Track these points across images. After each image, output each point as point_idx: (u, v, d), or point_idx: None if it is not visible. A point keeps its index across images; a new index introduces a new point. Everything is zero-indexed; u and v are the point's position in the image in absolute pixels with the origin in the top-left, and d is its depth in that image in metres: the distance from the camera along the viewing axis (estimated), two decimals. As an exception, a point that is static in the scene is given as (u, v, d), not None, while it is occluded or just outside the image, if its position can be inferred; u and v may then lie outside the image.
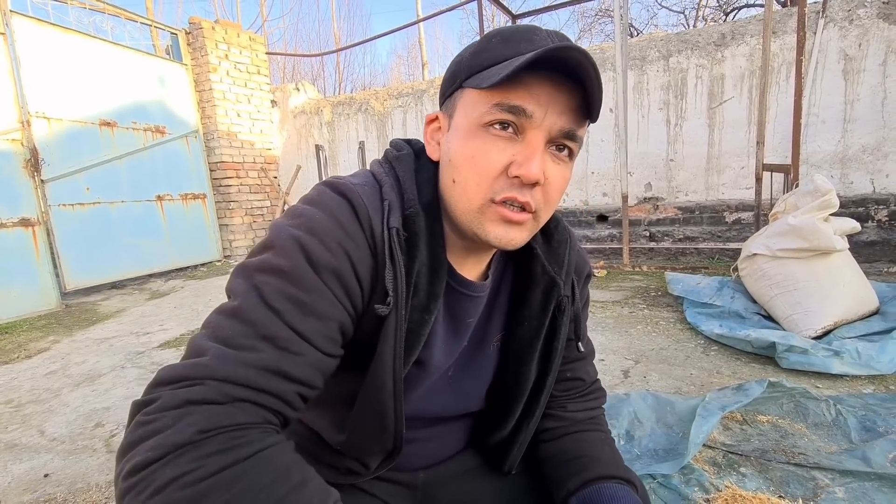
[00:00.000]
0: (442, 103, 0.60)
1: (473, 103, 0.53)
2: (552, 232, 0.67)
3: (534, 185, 0.52)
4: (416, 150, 0.63)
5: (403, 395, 0.61)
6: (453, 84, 0.56)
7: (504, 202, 0.52)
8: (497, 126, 0.51)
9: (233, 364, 0.45)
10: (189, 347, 0.47)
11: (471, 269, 0.64)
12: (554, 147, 0.53)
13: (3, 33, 3.62)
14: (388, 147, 0.64)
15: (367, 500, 0.69)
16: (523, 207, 0.53)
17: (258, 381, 0.45)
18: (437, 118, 0.60)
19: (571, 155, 0.55)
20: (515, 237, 0.55)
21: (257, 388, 0.45)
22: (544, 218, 0.57)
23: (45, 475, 1.46)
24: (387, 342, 0.54)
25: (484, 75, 0.51)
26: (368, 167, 0.61)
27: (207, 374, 0.44)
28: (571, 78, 0.50)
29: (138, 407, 0.44)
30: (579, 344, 0.71)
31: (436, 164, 0.60)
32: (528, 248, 0.64)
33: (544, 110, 0.51)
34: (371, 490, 0.70)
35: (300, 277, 0.49)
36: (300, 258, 0.49)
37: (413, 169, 0.60)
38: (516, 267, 0.68)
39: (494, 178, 0.52)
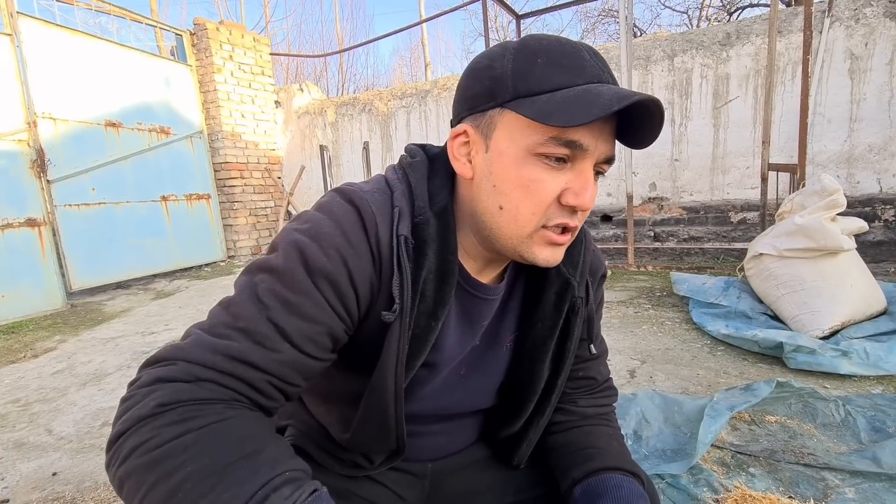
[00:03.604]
0: (466, 115, 0.56)
1: (522, 129, 0.51)
2: None
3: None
4: (430, 156, 0.62)
5: (411, 394, 0.62)
6: (489, 101, 0.53)
7: (554, 227, 0.54)
8: (553, 159, 0.51)
9: (203, 349, 0.48)
10: (184, 333, 0.52)
11: (488, 274, 0.64)
12: (594, 170, 0.54)
13: (10, 35, 3.64)
14: (403, 153, 0.64)
15: (375, 487, 0.70)
16: (566, 229, 0.55)
17: (223, 365, 0.48)
18: (464, 132, 0.56)
19: (602, 174, 0.57)
20: (560, 256, 0.58)
21: (222, 372, 0.48)
22: (577, 232, 0.59)
23: (53, 473, 1.47)
24: (391, 347, 0.55)
25: (541, 106, 0.49)
26: (383, 172, 0.62)
27: (180, 356, 0.48)
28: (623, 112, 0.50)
29: (128, 385, 0.49)
30: (591, 346, 0.71)
31: (450, 170, 0.59)
32: None
33: (596, 142, 0.51)
34: (379, 478, 0.71)
35: (292, 279, 0.51)
36: (296, 261, 0.51)
37: (426, 175, 0.59)
38: (530, 268, 0.67)
39: (548, 207, 0.53)
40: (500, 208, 0.54)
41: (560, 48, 0.52)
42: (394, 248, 0.53)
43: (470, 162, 0.57)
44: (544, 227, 0.54)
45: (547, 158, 0.51)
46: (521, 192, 0.52)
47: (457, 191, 0.60)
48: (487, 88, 0.53)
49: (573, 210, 0.53)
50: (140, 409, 0.44)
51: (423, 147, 0.64)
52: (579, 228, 0.58)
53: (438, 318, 0.57)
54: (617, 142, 0.55)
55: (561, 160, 0.51)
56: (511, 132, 0.52)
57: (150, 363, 0.49)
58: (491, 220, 0.56)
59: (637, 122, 0.52)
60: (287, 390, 0.52)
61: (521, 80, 0.51)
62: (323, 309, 0.52)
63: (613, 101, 0.47)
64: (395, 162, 0.63)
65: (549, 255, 0.56)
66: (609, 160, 0.54)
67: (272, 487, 0.42)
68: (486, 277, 0.64)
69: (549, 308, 0.65)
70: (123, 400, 0.47)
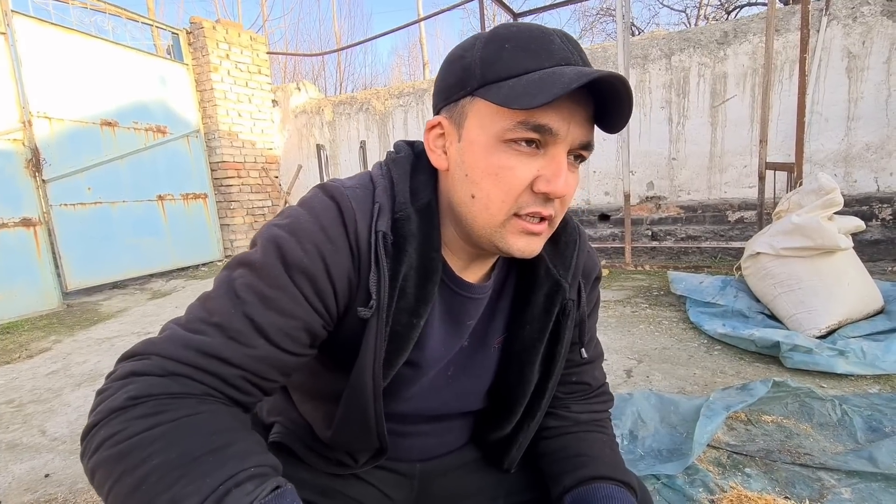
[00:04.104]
0: (442, 106, 0.56)
1: (491, 116, 0.51)
2: (559, 233, 0.65)
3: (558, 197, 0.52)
4: (416, 152, 0.62)
5: (397, 393, 0.61)
6: (461, 90, 0.53)
7: (528, 216, 0.53)
8: (522, 143, 0.50)
9: (176, 343, 0.48)
10: (161, 327, 0.52)
11: (474, 271, 0.63)
12: (571, 157, 0.53)
13: (4, 33, 3.62)
14: (390, 149, 0.63)
15: (362, 486, 0.70)
16: (543, 218, 0.53)
17: (195, 360, 0.47)
18: (439, 124, 0.56)
19: (583, 160, 0.56)
20: (536, 247, 0.56)
21: (194, 366, 0.47)
22: (557, 222, 0.57)
23: (46, 475, 1.46)
24: (368, 344, 0.54)
25: (506, 90, 0.49)
26: (370, 168, 0.61)
27: (154, 350, 0.48)
28: (591, 90, 0.49)
29: (105, 378, 0.49)
30: (582, 350, 0.70)
31: (434, 166, 0.59)
32: None
33: (567, 126, 0.50)
34: (367, 478, 0.70)
35: (269, 274, 0.50)
36: (274, 256, 0.51)
37: (409, 171, 0.59)
38: (520, 268, 0.67)
39: (519, 195, 0.52)
40: (472, 197, 0.54)
41: (529, 33, 0.51)
42: (371, 244, 0.53)
43: (445, 153, 0.56)
44: (517, 215, 0.53)
45: (517, 144, 0.50)
46: (491, 180, 0.52)
47: (439, 186, 0.59)
48: (459, 78, 0.53)
49: (547, 198, 0.52)
50: (112, 401, 0.44)
51: (410, 144, 0.63)
52: (559, 219, 0.57)
53: (420, 316, 0.56)
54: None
55: (532, 145, 0.51)
56: (481, 120, 0.52)
57: (125, 357, 0.49)
58: (465, 210, 0.55)
59: (608, 103, 0.51)
60: (263, 385, 0.52)
61: (489, 67, 0.51)
62: (299, 304, 0.51)
63: (574, 80, 0.46)
64: (380, 160, 0.63)
65: (523, 245, 0.54)
66: (586, 146, 0.53)
67: (235, 482, 0.41)
68: (471, 276, 0.63)
69: (538, 310, 0.64)
70: (98, 392, 0.47)
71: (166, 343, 0.48)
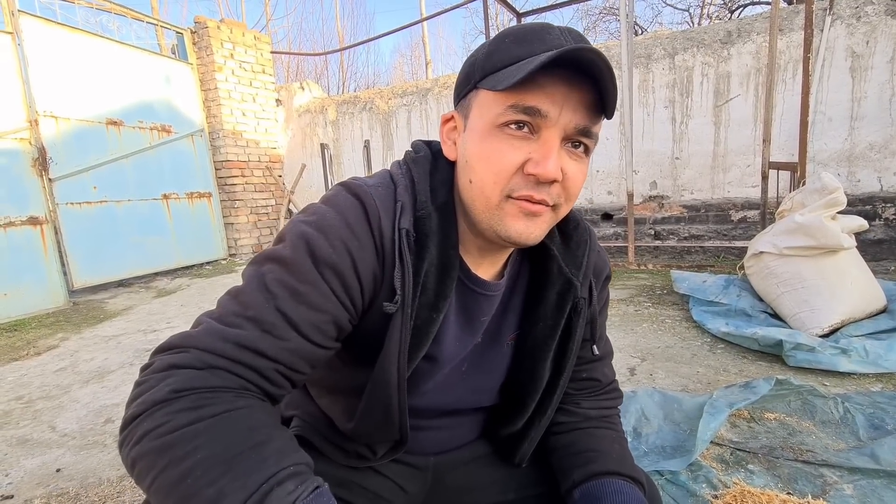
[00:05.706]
0: (457, 103, 0.60)
1: (488, 104, 0.54)
2: (570, 233, 0.67)
3: (551, 182, 0.53)
4: (434, 151, 0.64)
5: (414, 387, 0.63)
6: (467, 85, 0.57)
7: (520, 199, 0.54)
8: (513, 126, 0.52)
9: (215, 337, 0.49)
10: (194, 321, 0.54)
11: (487, 268, 0.65)
12: (570, 144, 0.54)
13: (11, 33, 3.64)
14: (409, 148, 0.65)
15: (379, 479, 0.71)
16: (538, 202, 0.54)
17: (234, 353, 0.49)
18: (452, 118, 0.61)
19: (587, 151, 0.56)
20: (535, 231, 0.56)
21: (232, 360, 0.49)
22: (564, 212, 0.58)
23: (57, 470, 1.48)
24: (393, 338, 0.56)
25: (498, 77, 0.52)
26: (389, 168, 0.63)
27: (192, 343, 0.49)
28: (585, 75, 0.50)
29: (140, 370, 0.50)
30: (594, 347, 0.71)
31: (453, 165, 0.61)
32: (544, 248, 0.64)
33: (559, 109, 0.51)
34: (382, 470, 0.72)
35: (299, 269, 0.52)
36: (303, 252, 0.52)
37: (428, 171, 0.61)
38: (532, 267, 0.68)
39: (510, 176, 0.53)
40: (470, 182, 0.56)
41: (529, 28, 0.54)
42: (396, 241, 0.55)
43: (455, 145, 0.60)
44: (510, 197, 0.54)
45: (508, 128, 0.52)
46: (484, 164, 0.54)
47: (455, 184, 0.61)
48: (466, 74, 0.57)
49: (538, 181, 0.52)
50: (154, 393, 0.46)
51: (428, 143, 0.65)
52: (565, 208, 0.57)
53: (440, 310, 0.58)
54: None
55: (523, 128, 0.52)
56: (481, 109, 0.55)
57: (162, 349, 0.51)
58: (466, 196, 0.58)
59: (602, 86, 0.51)
60: (293, 377, 0.54)
61: (489, 60, 0.54)
62: (329, 298, 0.53)
63: (550, 57, 0.47)
64: (397, 159, 0.64)
65: (522, 228, 0.54)
66: (583, 132, 0.53)
67: (277, 481, 0.43)
68: (485, 273, 0.65)
69: (550, 307, 0.65)
70: (137, 384, 0.48)
71: (204, 336, 0.50)
